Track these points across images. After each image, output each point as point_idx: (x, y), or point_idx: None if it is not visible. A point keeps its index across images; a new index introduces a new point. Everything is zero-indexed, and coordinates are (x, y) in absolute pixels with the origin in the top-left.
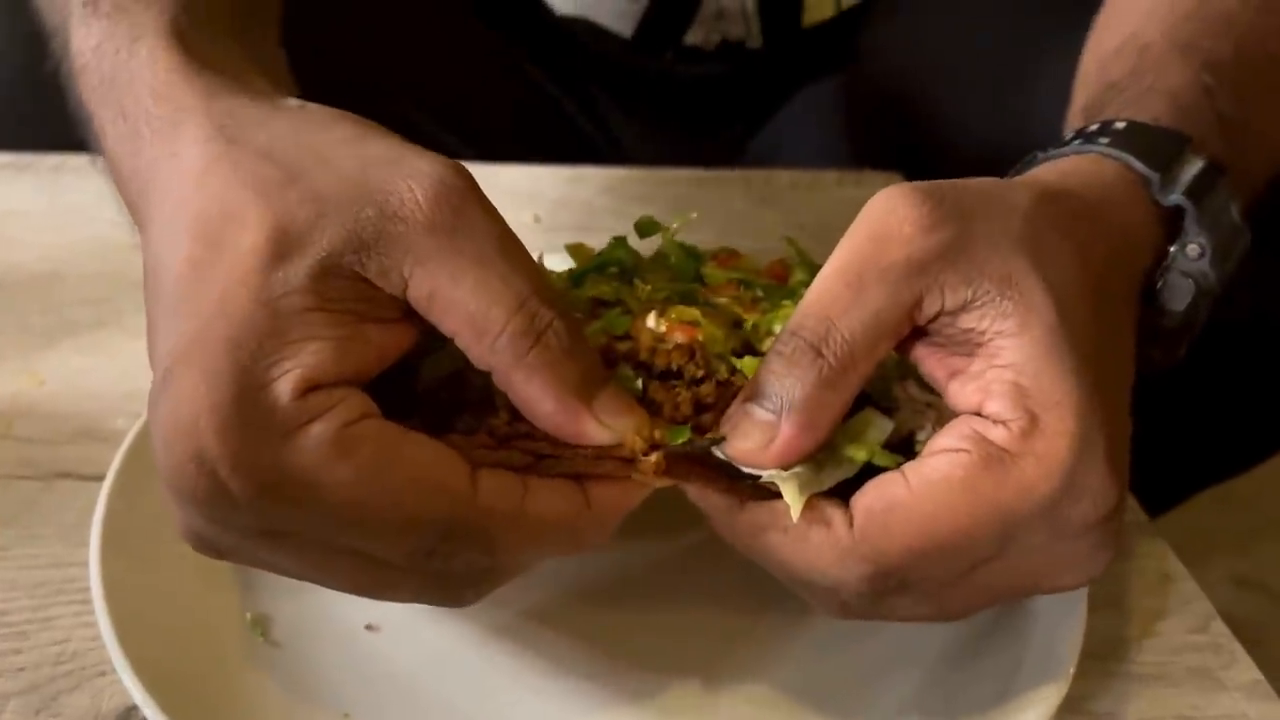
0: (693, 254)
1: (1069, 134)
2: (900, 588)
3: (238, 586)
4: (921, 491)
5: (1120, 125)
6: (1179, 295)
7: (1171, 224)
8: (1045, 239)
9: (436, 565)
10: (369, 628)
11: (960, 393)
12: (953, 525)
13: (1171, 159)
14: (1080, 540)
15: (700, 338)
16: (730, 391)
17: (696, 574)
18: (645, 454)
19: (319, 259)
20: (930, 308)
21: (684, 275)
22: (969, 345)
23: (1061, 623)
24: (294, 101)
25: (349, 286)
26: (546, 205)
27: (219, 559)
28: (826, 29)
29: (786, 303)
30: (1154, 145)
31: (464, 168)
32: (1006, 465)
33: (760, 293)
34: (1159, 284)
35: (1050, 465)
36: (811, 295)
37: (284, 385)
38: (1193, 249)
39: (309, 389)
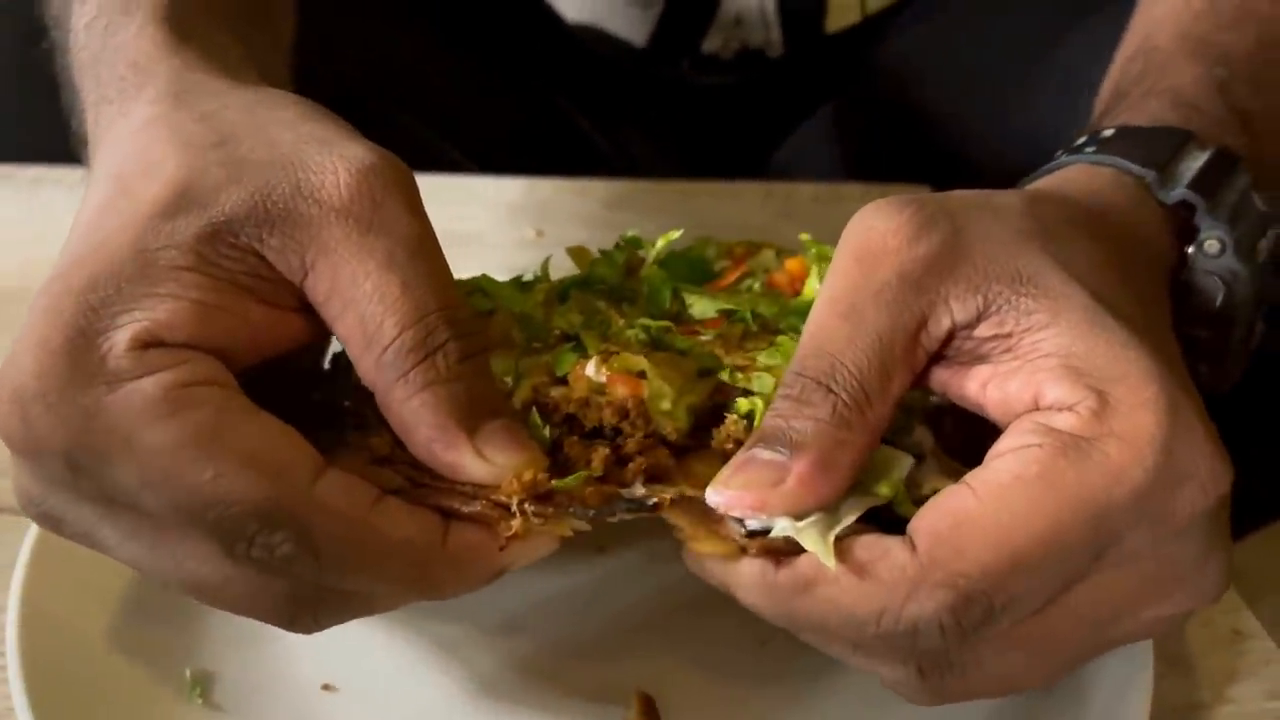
0: (696, 264)
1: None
2: (986, 619)
3: (178, 637)
4: (993, 497)
5: (1108, 133)
6: (1209, 297)
7: (1185, 223)
8: (1053, 230)
9: (257, 558)
10: (326, 687)
11: (1003, 396)
12: (1037, 530)
13: (1168, 156)
14: (1190, 539)
15: (643, 394)
16: (665, 453)
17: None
18: (522, 502)
19: (212, 221)
20: (938, 327)
21: (659, 308)
22: (999, 354)
23: (1127, 688)
24: (267, 88)
25: (240, 258)
26: (550, 219)
27: (57, 532)
28: (851, 36)
29: (782, 338)
30: (1146, 145)
31: (401, 163)
32: (1086, 452)
33: (754, 325)
34: (1186, 288)
35: (1139, 443)
36: (808, 334)
37: (123, 334)
38: (1211, 245)
39: (150, 343)
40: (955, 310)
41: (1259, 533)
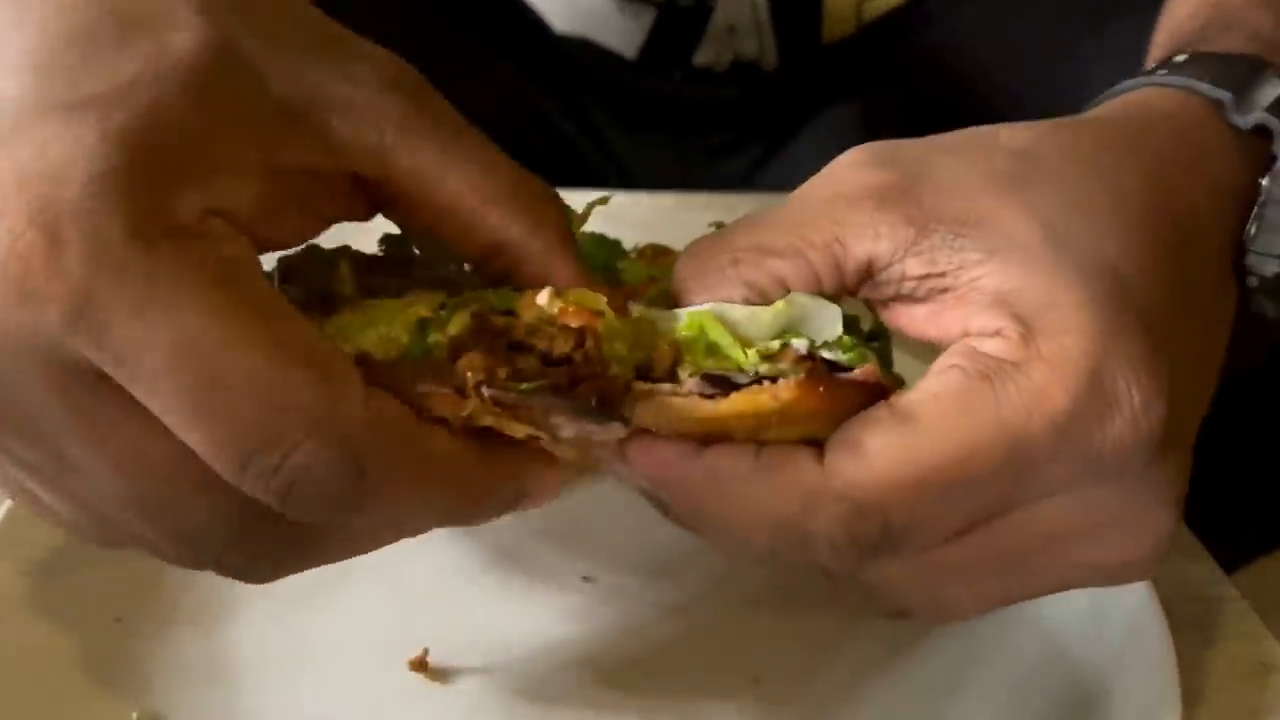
0: (610, 245)
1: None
2: (887, 541)
3: (126, 677)
4: (906, 415)
5: (1180, 58)
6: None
7: (1261, 154)
8: (1045, 169)
9: (286, 480)
10: None
11: (939, 331)
12: (945, 451)
13: (1246, 80)
14: (1122, 479)
15: (599, 328)
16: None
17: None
18: (479, 384)
19: (277, 96)
20: (857, 247)
21: (595, 267)
22: (937, 294)
23: None
24: None
25: (307, 144)
26: None
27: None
28: (848, 46)
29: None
30: (1222, 68)
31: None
32: (1008, 375)
33: None
34: (1252, 229)
35: (1063, 367)
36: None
37: (194, 193)
38: None
39: (217, 214)
40: (883, 236)
41: None
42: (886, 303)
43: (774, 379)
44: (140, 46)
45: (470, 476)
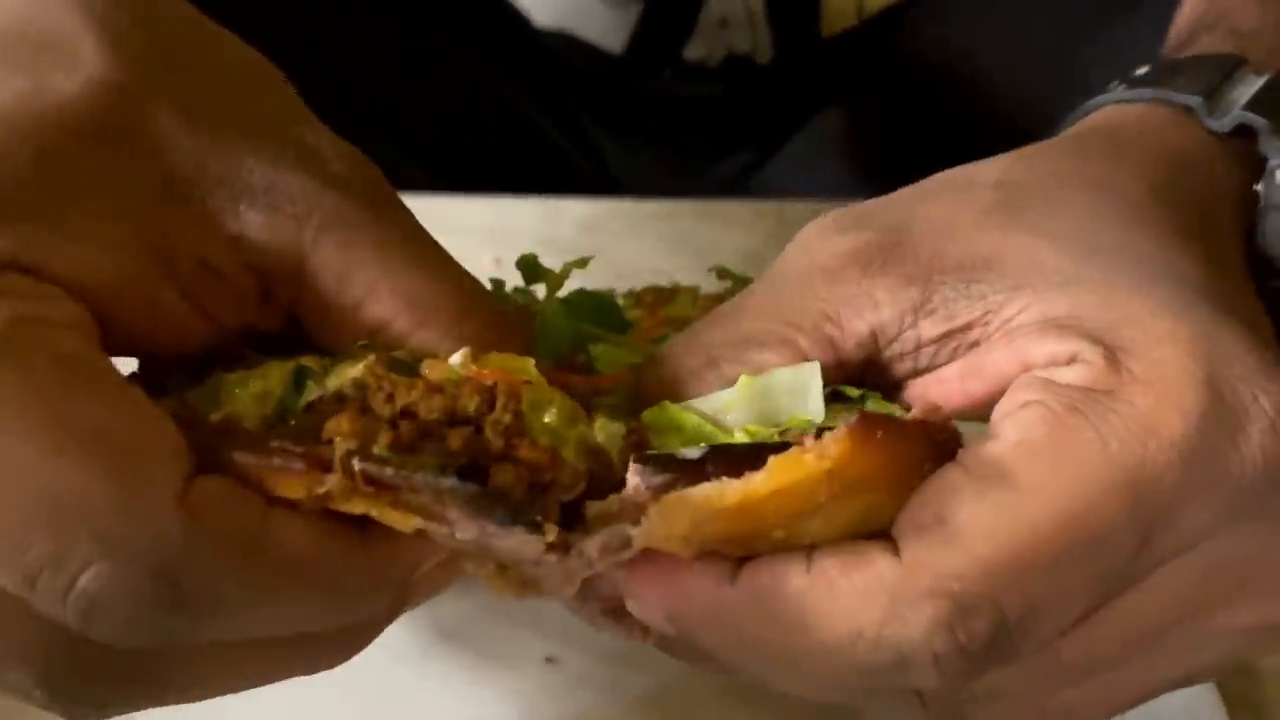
0: (606, 308)
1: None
2: (1003, 640)
3: None
4: (991, 473)
5: (1141, 71)
6: None
7: (1250, 157)
8: (1034, 190)
9: (82, 599)
10: None
11: (984, 382)
12: (1053, 509)
13: (1217, 81)
14: (1264, 513)
15: (521, 392)
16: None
17: None
18: (350, 455)
19: (164, 164)
20: (856, 321)
21: (555, 352)
22: (965, 351)
23: None
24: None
25: (193, 229)
26: (515, 244)
27: None
28: (848, 40)
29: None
30: (1188, 73)
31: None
32: (1104, 405)
33: None
34: (1260, 233)
35: (1170, 382)
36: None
37: None
38: None
39: (7, 265)
40: (883, 303)
41: None
42: (903, 381)
43: (784, 446)
44: (19, 78)
45: (333, 577)
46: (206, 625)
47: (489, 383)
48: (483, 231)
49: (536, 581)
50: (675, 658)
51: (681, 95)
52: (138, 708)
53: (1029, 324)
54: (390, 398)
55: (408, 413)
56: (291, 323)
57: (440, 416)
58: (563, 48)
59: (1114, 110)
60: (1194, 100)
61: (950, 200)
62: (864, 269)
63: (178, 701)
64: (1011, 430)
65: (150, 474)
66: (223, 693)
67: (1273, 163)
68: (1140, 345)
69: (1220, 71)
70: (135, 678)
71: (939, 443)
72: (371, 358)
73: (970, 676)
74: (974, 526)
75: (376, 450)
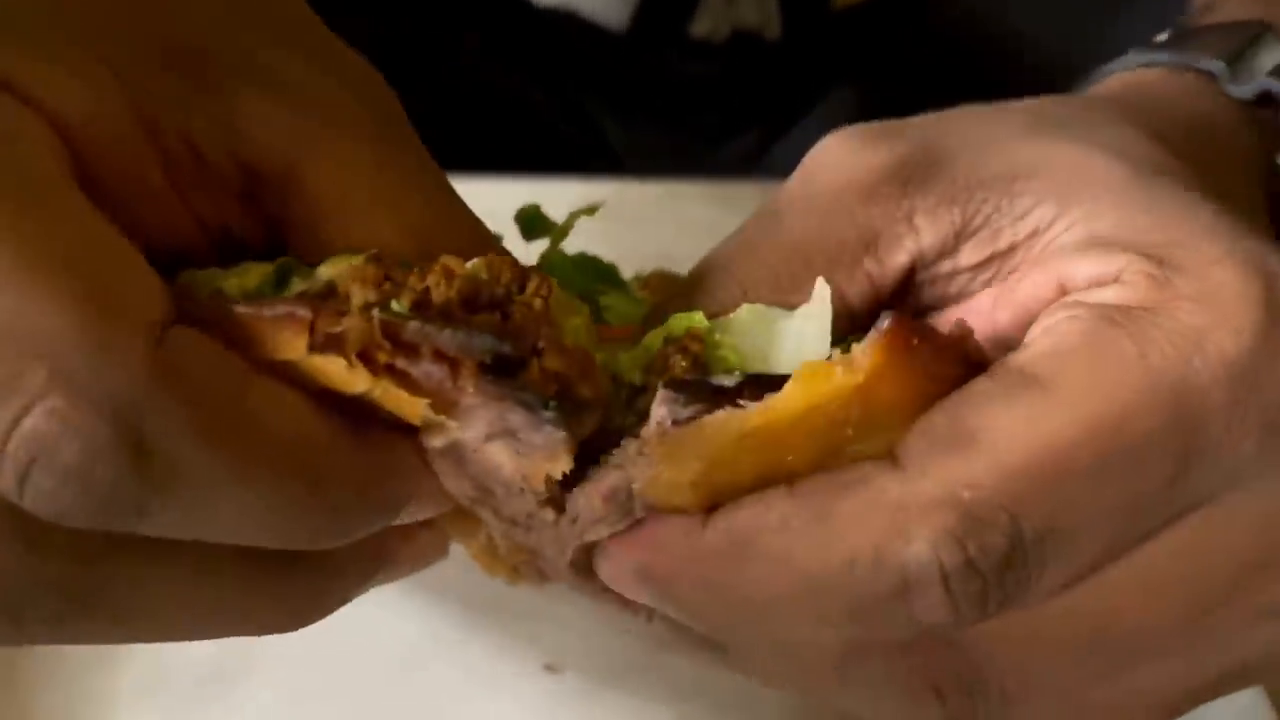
0: (601, 271)
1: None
2: (1019, 560)
3: None
4: (1014, 379)
5: (1161, 37)
6: None
7: (1274, 126)
8: (1077, 115)
9: (14, 458)
10: None
11: (1014, 309)
12: (1082, 414)
13: (1241, 47)
14: None
15: (554, 291)
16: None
17: None
18: (370, 306)
19: (177, 39)
20: (895, 249)
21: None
22: (1003, 278)
23: None
24: None
25: (189, 109)
26: (514, 225)
27: None
28: (859, 14)
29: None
30: (1212, 40)
31: None
32: (1146, 320)
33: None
34: None
35: (1222, 300)
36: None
37: None
38: None
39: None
40: (923, 229)
41: None
42: (926, 311)
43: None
44: None
45: (315, 468)
46: (163, 504)
47: (522, 270)
48: (482, 213)
49: (529, 560)
50: (672, 650)
51: (687, 74)
52: (76, 634)
53: (1072, 243)
54: (398, 285)
55: (424, 298)
56: (272, 241)
57: (462, 297)
58: (564, 27)
59: (1130, 75)
60: (1216, 65)
61: (985, 118)
62: (903, 186)
63: (121, 636)
64: (1044, 340)
65: (120, 309)
66: (169, 634)
67: None
68: (1192, 265)
69: (1244, 37)
70: (76, 589)
71: (974, 364)
72: (373, 250)
73: (981, 609)
74: (991, 430)
75: (396, 308)
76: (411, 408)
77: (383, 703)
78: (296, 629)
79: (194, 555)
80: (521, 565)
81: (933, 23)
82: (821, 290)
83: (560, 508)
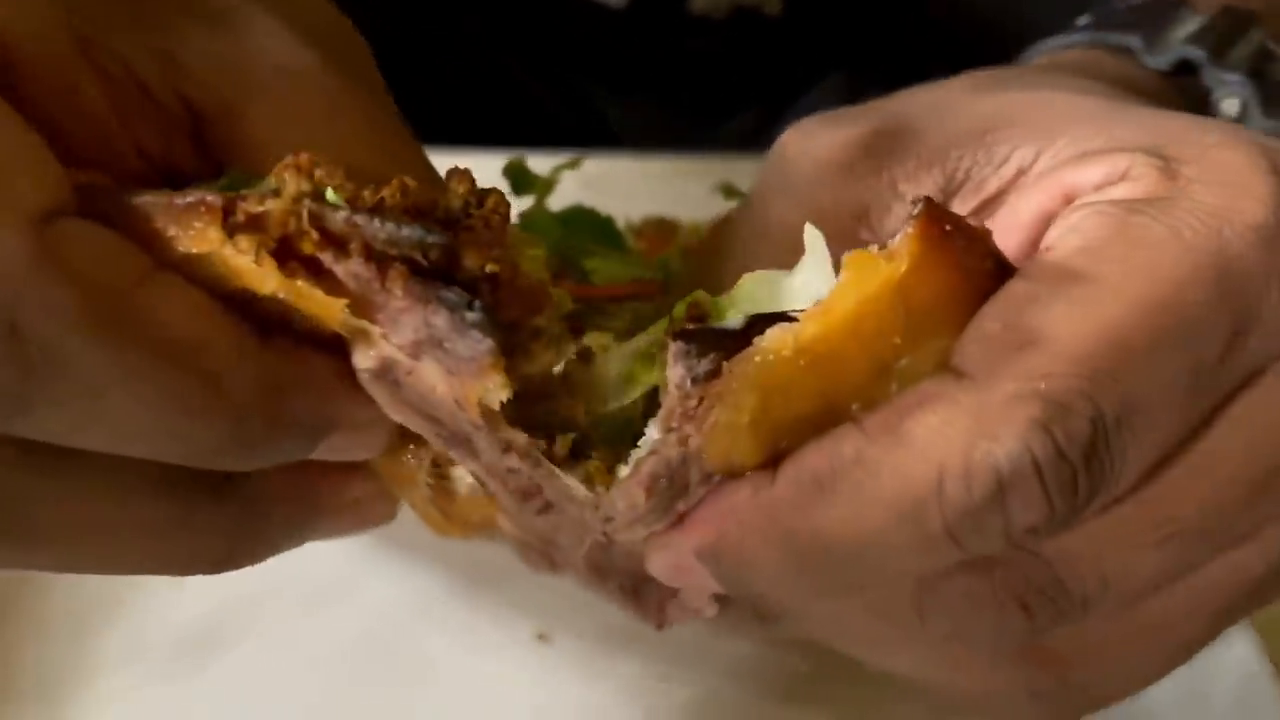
0: (605, 227)
1: None
2: (1103, 442)
3: None
4: (1057, 277)
5: (1083, 20)
6: None
7: (1195, 93)
8: (1016, 77)
9: None
10: None
11: (1020, 231)
12: (1139, 294)
13: (1155, 23)
14: None
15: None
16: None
17: None
18: (301, 197)
19: None
20: (888, 218)
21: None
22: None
23: None
24: None
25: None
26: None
27: None
28: None
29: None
30: (1127, 17)
31: None
32: (1165, 205)
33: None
34: None
35: (1234, 175)
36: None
37: None
38: (1230, 104)
39: None
40: (908, 193)
41: None
42: None
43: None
44: None
45: (212, 369)
46: (47, 398)
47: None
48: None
49: (542, 548)
50: (721, 632)
51: (686, 51)
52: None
53: (1066, 158)
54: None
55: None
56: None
57: (415, 207)
58: (564, 4)
59: (1050, 56)
60: (1132, 40)
61: (934, 91)
62: (879, 159)
63: (26, 560)
64: (1071, 238)
65: (4, 184)
66: (80, 563)
67: (1217, 95)
68: (1194, 154)
69: (1159, 14)
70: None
71: (1000, 264)
72: (326, 167)
73: (1072, 503)
74: (1050, 326)
75: (330, 199)
76: (329, 310)
77: (372, 671)
78: (219, 571)
79: (103, 473)
80: (467, 518)
81: (933, 2)
82: (813, 238)
83: (535, 461)
